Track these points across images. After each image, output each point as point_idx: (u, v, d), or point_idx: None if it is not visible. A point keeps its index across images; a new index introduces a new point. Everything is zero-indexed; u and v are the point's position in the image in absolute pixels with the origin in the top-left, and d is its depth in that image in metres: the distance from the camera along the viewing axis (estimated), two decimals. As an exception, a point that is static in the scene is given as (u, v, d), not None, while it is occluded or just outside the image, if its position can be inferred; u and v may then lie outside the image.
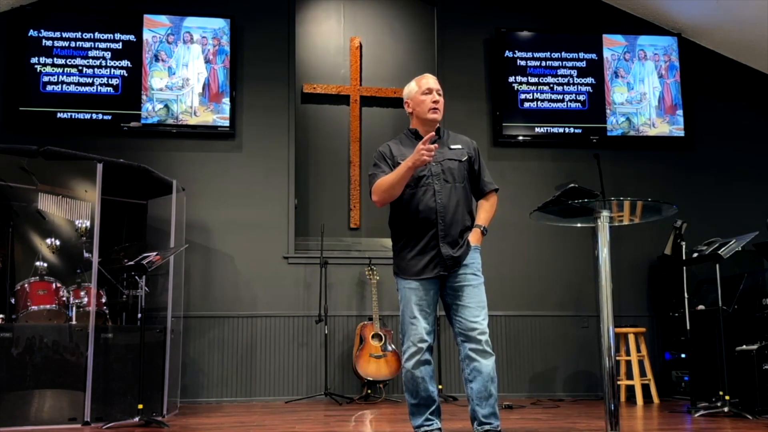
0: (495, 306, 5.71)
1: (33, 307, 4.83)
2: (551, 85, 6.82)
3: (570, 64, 6.87)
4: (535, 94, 6.80)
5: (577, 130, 6.78)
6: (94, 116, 6.25)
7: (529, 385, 6.41)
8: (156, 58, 6.41)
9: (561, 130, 6.77)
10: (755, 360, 4.75)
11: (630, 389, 5.88)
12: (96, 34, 6.36)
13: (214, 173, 6.40)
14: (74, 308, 4.90)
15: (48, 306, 4.85)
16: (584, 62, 6.89)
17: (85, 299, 4.92)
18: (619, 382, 5.70)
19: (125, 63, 6.35)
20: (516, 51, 6.84)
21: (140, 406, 4.40)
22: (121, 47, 6.37)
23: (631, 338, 5.77)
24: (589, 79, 6.87)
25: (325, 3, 6.98)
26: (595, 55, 6.91)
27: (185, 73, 6.43)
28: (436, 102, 3.35)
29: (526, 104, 6.78)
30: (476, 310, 3.22)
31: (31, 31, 6.26)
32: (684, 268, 5.42)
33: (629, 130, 6.85)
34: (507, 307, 6.46)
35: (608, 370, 3.16)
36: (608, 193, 5.96)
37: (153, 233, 6.00)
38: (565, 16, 7.06)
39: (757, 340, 4.89)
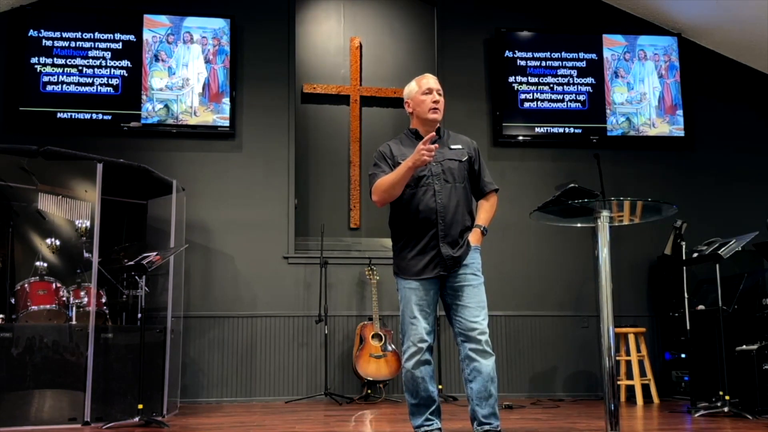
0: (495, 306, 5.71)
1: (33, 307, 4.83)
2: (551, 85, 6.82)
3: (570, 64, 6.87)
4: (535, 94, 6.80)
5: (577, 130, 6.79)
6: (94, 116, 6.25)
7: (529, 385, 6.41)
8: (156, 58, 6.41)
9: (561, 130, 6.77)
10: (755, 360, 4.75)
11: (630, 389, 5.88)
12: (96, 34, 6.36)
13: (214, 173, 6.40)
14: (74, 308, 4.90)
15: (48, 306, 4.85)
16: (584, 62, 6.89)
17: (85, 299, 4.92)
18: (619, 382, 5.70)
19: (125, 63, 6.35)
20: (516, 51, 6.84)
21: (140, 406, 4.40)
22: (121, 47, 6.37)
23: (631, 338, 5.77)
24: (589, 79, 6.87)
25: (325, 3, 6.98)
26: (595, 55, 6.91)
27: (185, 73, 6.43)
28: (436, 102, 3.35)
29: (526, 104, 6.78)
30: (476, 310, 3.22)
31: (31, 31, 6.26)
32: (684, 268, 5.42)
33: (629, 130, 6.85)
34: (507, 307, 6.47)
35: (608, 370, 3.16)
36: (608, 193, 5.96)
37: (153, 233, 6.00)
38: (565, 16, 7.06)
39: (757, 340, 4.89)
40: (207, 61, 6.46)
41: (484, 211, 3.40)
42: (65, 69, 6.27)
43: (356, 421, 4.64)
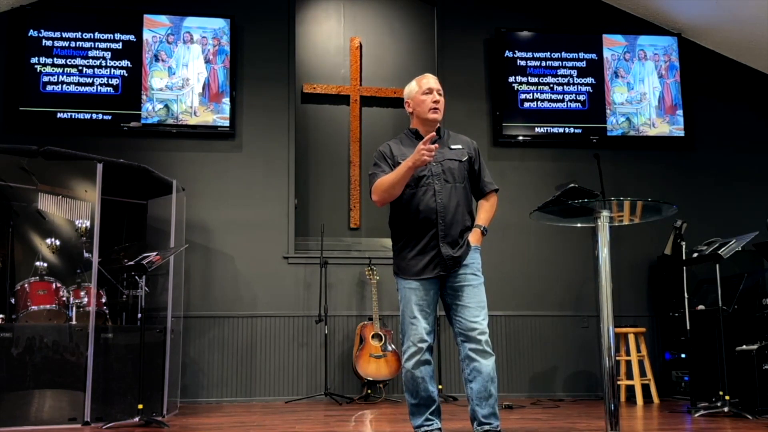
0: (495, 306, 5.71)
1: (33, 307, 4.83)
2: (551, 85, 6.82)
3: (570, 64, 6.87)
4: (535, 94, 6.80)
5: (577, 130, 6.79)
6: (94, 116, 6.25)
7: (529, 385, 6.41)
8: (156, 58, 6.41)
9: (561, 130, 6.77)
10: (755, 360, 4.75)
11: (630, 389, 5.88)
12: (96, 34, 6.36)
13: (214, 173, 6.40)
14: (74, 308, 4.90)
15: (48, 306, 4.85)
16: (584, 62, 6.89)
17: (85, 299, 4.92)
18: (619, 382, 5.70)
19: (125, 63, 6.35)
20: (516, 51, 6.84)
21: (140, 406, 4.40)
22: (121, 47, 6.37)
23: (631, 338, 5.77)
24: (589, 79, 6.87)
25: (325, 3, 6.98)
26: (595, 55, 6.91)
27: (185, 73, 6.43)
28: (436, 102, 3.35)
29: (526, 104, 6.78)
30: (476, 310, 3.22)
31: (31, 31, 6.26)
32: (684, 268, 5.42)
33: (629, 130, 6.85)
34: (507, 307, 6.47)
35: (608, 370, 3.16)
36: (608, 193, 5.96)
37: (153, 233, 6.00)
38: (565, 16, 7.06)
39: (757, 340, 4.89)
40: (207, 61, 6.46)
41: (484, 211, 3.41)
42: (65, 69, 6.27)
43: (356, 421, 4.64)
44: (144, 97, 6.33)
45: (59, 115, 6.19)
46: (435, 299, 3.28)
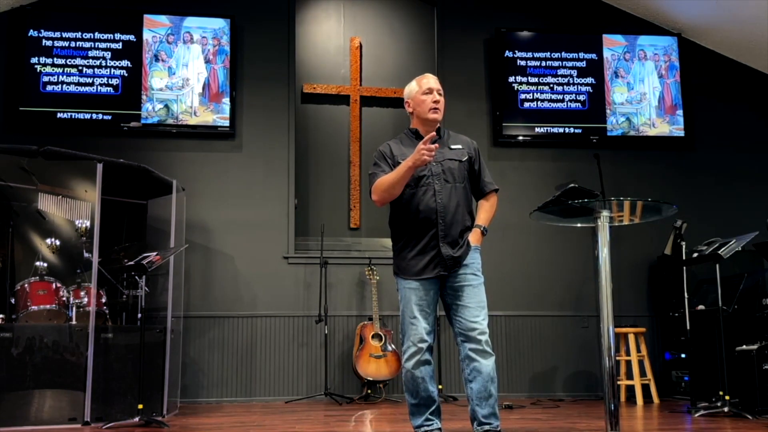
0: (495, 306, 5.71)
1: (33, 307, 4.83)
2: (551, 85, 6.82)
3: (570, 64, 6.87)
4: (535, 94, 6.80)
5: (577, 130, 6.79)
6: (94, 116, 6.25)
7: (529, 385, 6.41)
8: (156, 58, 6.41)
9: (561, 130, 6.77)
10: (755, 360, 4.75)
11: (630, 389, 5.88)
12: (96, 34, 6.36)
13: (214, 173, 6.40)
14: (74, 308, 4.90)
15: (48, 306, 4.85)
16: (584, 62, 6.89)
17: (85, 299, 4.92)
18: (619, 382, 5.70)
19: (125, 63, 6.35)
20: (516, 51, 6.84)
21: (140, 406, 4.40)
22: (121, 47, 6.37)
23: (631, 338, 5.77)
24: (589, 79, 6.87)
25: (325, 3, 6.98)
26: (595, 55, 6.91)
27: (185, 73, 6.43)
28: (436, 102, 3.35)
29: (526, 104, 6.78)
30: (476, 310, 3.22)
31: (31, 31, 6.26)
32: (684, 268, 5.42)
33: (629, 130, 6.85)
34: (507, 307, 6.47)
35: (608, 370, 3.16)
36: (608, 193, 5.96)
37: (153, 233, 6.00)
38: (565, 16, 7.06)
39: (757, 340, 4.89)
40: (207, 61, 6.46)
41: (484, 211, 3.41)
42: (65, 69, 6.27)
43: (356, 421, 4.64)
44: (144, 97, 6.33)
45: (59, 115, 6.19)
46: (435, 299, 3.28)
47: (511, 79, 6.79)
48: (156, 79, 6.37)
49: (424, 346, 3.21)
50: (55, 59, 6.27)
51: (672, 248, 6.15)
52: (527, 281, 6.57)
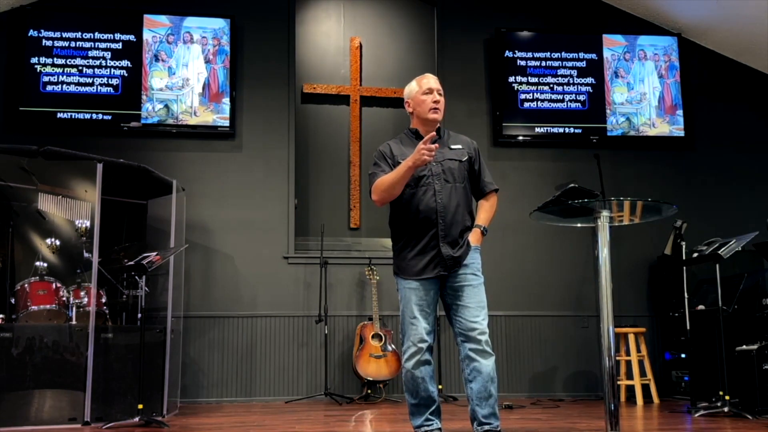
0: (495, 306, 5.71)
1: (33, 307, 4.83)
2: (551, 85, 6.82)
3: (570, 64, 6.87)
4: (535, 94, 6.80)
5: (577, 130, 6.79)
6: (94, 116, 6.25)
7: (529, 385, 6.41)
8: (156, 58, 6.41)
9: (561, 130, 6.77)
10: (755, 360, 4.75)
11: (630, 389, 5.88)
12: (96, 34, 6.36)
13: (214, 173, 6.40)
14: (74, 308, 4.90)
15: (48, 306, 4.85)
16: (584, 62, 6.89)
17: (85, 299, 4.92)
18: (619, 382, 5.70)
19: (125, 63, 6.35)
20: (516, 51, 6.84)
21: (140, 406, 4.40)
22: (121, 47, 6.37)
23: (631, 338, 5.77)
24: (589, 79, 6.87)
25: (325, 3, 6.98)
26: (595, 55, 6.91)
27: (185, 73, 6.43)
28: (436, 102, 3.35)
29: (526, 104, 6.78)
30: (476, 310, 3.22)
31: (31, 31, 6.26)
32: (684, 268, 5.42)
33: (629, 130, 6.85)
34: (507, 307, 6.46)
35: (608, 370, 3.16)
36: (608, 193, 5.96)
37: (153, 233, 6.00)
38: (565, 16, 7.06)
39: (757, 340, 4.89)
40: (207, 61, 6.46)
41: (484, 211, 3.41)
42: (65, 69, 6.27)
43: (356, 421, 4.64)
44: (144, 97, 6.33)
45: (59, 115, 6.19)
46: (435, 299, 3.28)
47: (511, 79, 6.79)
48: (156, 79, 6.37)
49: (424, 346, 3.21)
50: (55, 59, 6.27)
51: (672, 248, 6.15)
52: (527, 281, 6.57)
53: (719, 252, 4.82)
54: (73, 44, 6.31)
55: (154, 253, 4.68)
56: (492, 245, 6.02)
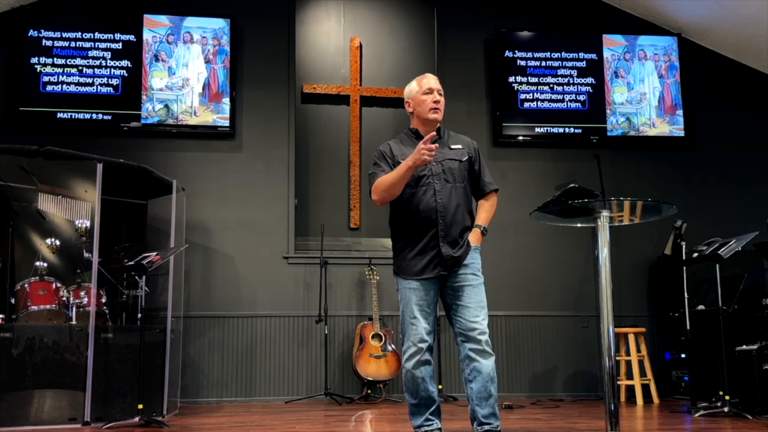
0: (495, 306, 5.71)
1: (33, 307, 4.83)
2: (551, 85, 6.82)
3: (570, 64, 6.87)
4: (535, 94, 6.80)
5: (577, 130, 6.79)
6: (94, 116, 6.25)
7: (529, 385, 6.41)
8: (156, 58, 6.41)
9: (561, 130, 6.77)
10: (755, 360, 4.75)
11: (630, 389, 5.88)
12: (96, 34, 6.36)
13: (214, 173, 6.40)
14: (74, 308, 4.90)
15: (48, 306, 4.85)
16: (584, 62, 6.89)
17: (85, 299, 4.92)
18: (619, 382, 5.70)
19: (125, 63, 6.35)
20: (516, 51, 6.84)
21: (140, 406, 4.40)
22: (121, 47, 6.37)
23: (631, 338, 5.77)
24: (589, 79, 6.87)
25: (325, 3, 6.98)
26: (595, 55, 6.91)
27: (185, 73, 6.43)
28: (436, 102, 3.35)
29: (526, 104, 6.78)
30: (476, 310, 3.22)
31: (31, 31, 6.27)
32: (684, 268, 5.42)
33: (629, 130, 6.85)
34: (507, 307, 6.46)
35: (608, 370, 3.16)
36: (608, 193, 5.96)
37: (153, 233, 6.00)
38: (565, 16, 7.06)
39: (757, 340, 4.89)
40: (207, 61, 6.46)
41: (484, 211, 3.41)
42: (65, 69, 6.27)
43: (356, 421, 4.64)
44: (144, 97, 6.33)
45: (59, 115, 6.19)
46: (435, 299, 3.28)
47: (511, 79, 6.79)
48: (156, 79, 6.37)
49: (424, 346, 3.21)
50: (55, 59, 6.27)
51: (672, 248, 6.15)
52: (527, 281, 6.57)
53: (719, 252, 4.82)
54: (73, 44, 6.31)
55: (154, 253, 4.68)
56: (492, 245, 6.02)
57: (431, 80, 3.39)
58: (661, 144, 6.89)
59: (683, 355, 6.02)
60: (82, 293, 4.96)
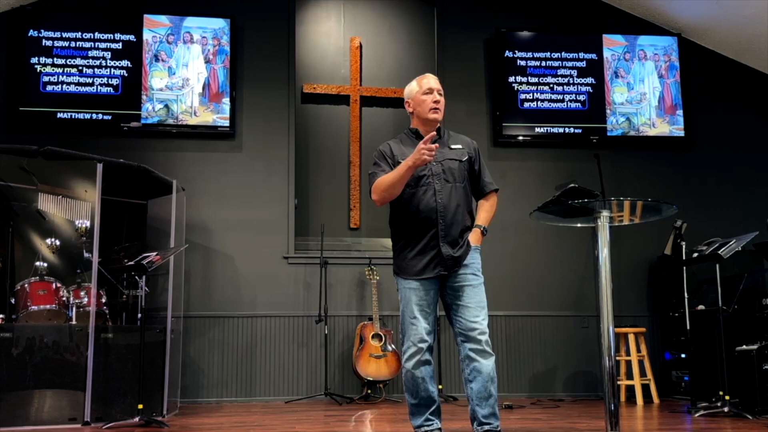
0: (495, 306, 5.71)
1: (33, 307, 4.83)
2: (551, 85, 6.82)
3: (570, 64, 6.87)
4: (535, 94, 6.80)
5: (577, 130, 6.78)
6: (94, 116, 6.25)
7: (529, 385, 6.41)
8: (156, 58, 6.41)
9: (561, 130, 6.77)
10: (755, 360, 4.75)
11: (630, 389, 5.88)
12: (96, 34, 6.36)
13: (214, 173, 6.40)
14: (74, 308, 4.90)
15: (48, 306, 4.85)
16: (584, 62, 6.89)
17: (85, 299, 4.92)
18: (619, 382, 5.70)
19: (125, 63, 6.35)
20: (516, 51, 6.84)
21: (140, 406, 4.40)
22: (121, 47, 6.37)
23: (631, 338, 5.77)
24: (589, 79, 6.87)
25: (325, 3, 6.98)
26: (595, 55, 6.91)
27: (185, 73, 6.43)
28: (436, 102, 3.35)
29: (526, 104, 6.78)
30: (476, 310, 3.22)
31: (31, 31, 6.27)
32: (684, 268, 5.42)
33: (629, 130, 6.85)
34: (507, 307, 6.46)
35: (608, 370, 3.15)
36: (608, 193, 5.96)
37: (153, 233, 6.00)
38: (565, 16, 7.06)
39: (757, 340, 4.89)
40: (207, 61, 6.46)
41: (484, 211, 3.41)
42: (65, 69, 6.27)
43: (356, 421, 4.64)
44: (144, 97, 6.33)
45: (59, 115, 6.19)
46: (435, 299, 3.28)
47: (511, 79, 6.79)
48: (156, 79, 6.37)
49: (424, 346, 3.21)
50: (55, 59, 6.27)
51: (672, 248, 6.15)
52: (527, 281, 6.57)
53: (719, 252, 4.82)
54: (73, 44, 6.31)
55: (154, 253, 4.68)
56: (492, 245, 6.02)
57: (431, 80, 3.39)
58: (661, 144, 6.89)
59: (683, 355, 6.02)
60: (82, 293, 4.96)
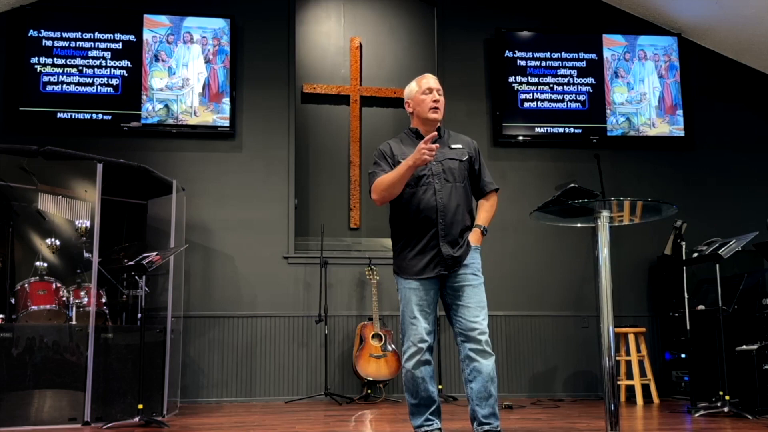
0: (495, 306, 5.71)
1: (33, 307, 4.83)
2: (551, 85, 6.82)
3: (570, 64, 6.87)
4: (535, 94, 6.80)
5: (577, 130, 6.79)
6: (94, 116, 6.25)
7: (529, 385, 6.41)
8: (156, 58, 6.41)
9: (561, 130, 6.77)
10: (755, 360, 4.75)
11: (630, 389, 5.88)
12: (96, 34, 6.36)
13: (214, 173, 6.40)
14: (74, 308, 4.90)
15: (48, 306, 4.85)
16: (584, 62, 6.89)
17: (85, 299, 4.92)
18: (619, 382, 5.70)
19: (125, 63, 6.35)
20: (516, 51, 6.84)
21: (140, 406, 4.40)
22: (121, 47, 6.37)
23: (631, 338, 5.77)
24: (589, 79, 6.87)
25: (325, 3, 6.98)
26: (595, 55, 6.91)
27: (185, 73, 6.43)
28: (436, 102, 3.35)
29: (526, 104, 6.78)
30: (476, 310, 3.22)
31: (31, 31, 6.27)
32: (684, 268, 5.42)
33: (629, 130, 6.85)
34: (507, 307, 6.47)
35: (608, 370, 3.15)
36: (608, 193, 5.96)
37: (153, 233, 6.00)
38: (565, 16, 7.06)
39: (757, 340, 4.89)
40: (207, 61, 6.47)
41: (484, 210, 3.41)
42: (65, 69, 6.27)
43: (356, 421, 4.64)
44: (144, 97, 6.33)
45: (59, 115, 6.19)
46: (435, 299, 3.28)
47: (511, 79, 6.79)
48: (156, 79, 6.37)
49: (424, 346, 3.21)
50: (55, 59, 6.27)
51: (672, 248, 6.15)
52: (527, 281, 6.57)
53: (719, 252, 4.82)
54: (73, 44, 6.31)
55: (154, 253, 4.68)
56: (492, 245, 6.02)
57: (431, 80, 3.39)
58: (661, 144, 6.89)
59: (683, 355, 6.02)
60: (82, 293, 4.96)
